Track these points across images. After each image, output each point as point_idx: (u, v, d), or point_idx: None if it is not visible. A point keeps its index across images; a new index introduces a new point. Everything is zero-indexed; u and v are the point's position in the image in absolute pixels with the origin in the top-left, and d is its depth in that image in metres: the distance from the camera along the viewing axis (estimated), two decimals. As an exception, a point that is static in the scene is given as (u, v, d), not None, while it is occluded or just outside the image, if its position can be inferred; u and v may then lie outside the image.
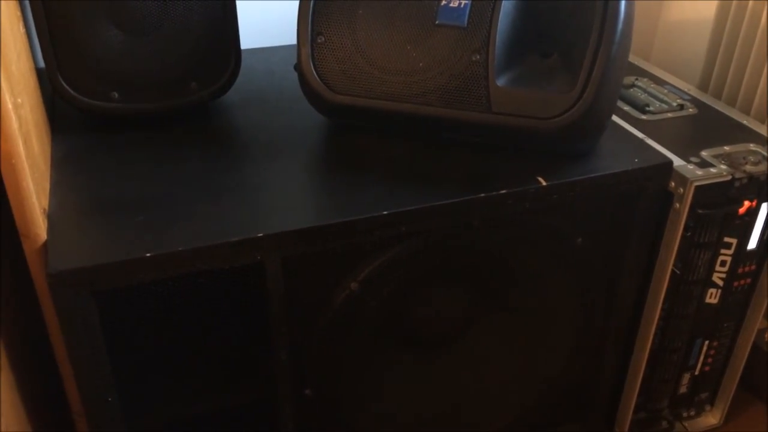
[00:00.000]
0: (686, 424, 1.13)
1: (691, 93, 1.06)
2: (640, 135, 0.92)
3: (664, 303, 0.96)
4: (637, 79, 1.10)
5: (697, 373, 1.08)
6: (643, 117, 0.98)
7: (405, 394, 0.97)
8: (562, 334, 0.97)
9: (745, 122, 0.97)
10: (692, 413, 1.12)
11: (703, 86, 1.13)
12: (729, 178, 0.85)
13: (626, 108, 1.01)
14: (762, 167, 0.86)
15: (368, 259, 0.77)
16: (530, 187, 0.78)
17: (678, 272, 0.93)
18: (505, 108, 0.75)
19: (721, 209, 0.89)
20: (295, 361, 0.80)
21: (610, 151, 0.87)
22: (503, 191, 0.77)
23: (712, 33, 1.12)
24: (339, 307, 0.78)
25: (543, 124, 0.73)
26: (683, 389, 1.09)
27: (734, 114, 1.00)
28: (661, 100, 1.03)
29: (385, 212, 0.73)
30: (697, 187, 0.84)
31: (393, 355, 0.94)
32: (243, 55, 0.92)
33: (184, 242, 0.67)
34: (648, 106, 1.01)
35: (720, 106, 1.02)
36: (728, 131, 0.96)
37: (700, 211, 0.86)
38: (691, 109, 1.01)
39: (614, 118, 0.97)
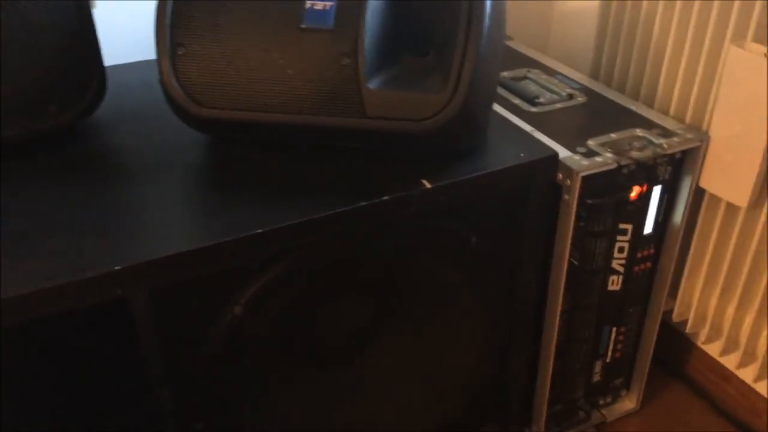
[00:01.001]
0: (604, 411, 1.13)
1: (582, 82, 1.06)
2: (528, 128, 0.91)
3: (566, 295, 0.96)
4: (529, 71, 1.09)
5: (608, 360, 1.08)
6: (534, 109, 0.97)
7: (313, 412, 0.94)
8: (468, 336, 0.95)
9: (632, 107, 0.97)
10: (609, 400, 1.13)
11: (594, 74, 1.13)
12: (615, 166, 0.85)
13: (516, 101, 1.00)
14: (648, 152, 0.86)
15: (251, 280, 0.74)
16: (414, 192, 0.76)
17: (576, 263, 0.93)
18: (380, 112, 0.71)
19: (612, 197, 0.89)
20: (182, 394, 0.75)
21: (497, 147, 0.85)
22: (385, 198, 0.74)
23: (598, 20, 1.13)
24: (223, 334, 0.74)
25: (417, 126, 0.70)
26: (597, 377, 1.09)
27: (623, 100, 1.00)
28: (552, 91, 1.02)
29: (259, 231, 0.69)
30: (584, 178, 0.83)
31: (295, 374, 0.90)
32: (118, 71, 0.86)
33: (28, 284, 0.61)
34: (538, 97, 1.00)
35: (609, 93, 1.02)
36: (616, 118, 0.95)
37: (589, 201, 0.86)
38: (580, 98, 1.00)
39: (504, 112, 0.96)
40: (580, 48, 1.26)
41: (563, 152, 0.85)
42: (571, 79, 1.06)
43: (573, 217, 0.85)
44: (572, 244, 0.91)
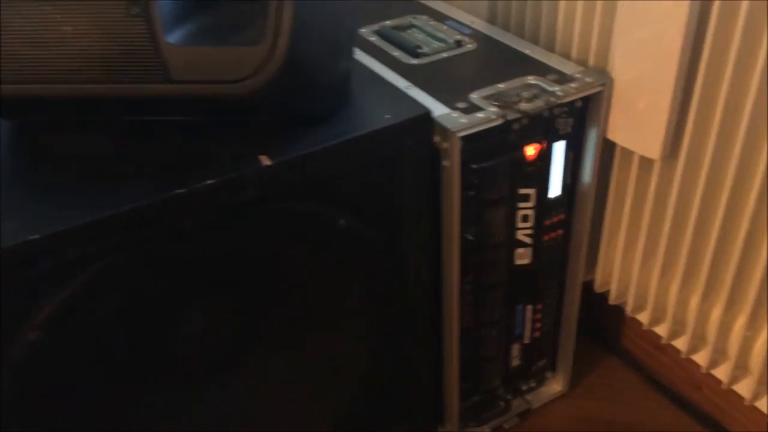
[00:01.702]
0: (528, 397, 1.01)
1: (476, 27, 0.92)
2: (403, 84, 0.77)
3: (466, 274, 0.83)
4: (414, 18, 0.95)
5: (527, 342, 0.96)
6: (414, 61, 0.83)
7: (190, 426, 0.80)
8: (357, 331, 0.82)
9: (528, 52, 0.84)
10: (533, 385, 1.01)
11: (492, 18, 0.99)
12: (501, 121, 0.72)
13: (396, 53, 0.85)
14: (539, 102, 0.73)
15: (47, 298, 0.59)
16: (248, 171, 0.62)
17: (472, 238, 0.80)
18: (187, 73, 0.57)
19: (504, 158, 0.76)
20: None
21: (361, 110, 0.71)
22: (209, 182, 0.60)
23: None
24: (20, 365, 0.60)
25: (234, 88, 0.56)
26: (516, 362, 0.97)
27: (519, 45, 0.86)
28: (439, 39, 0.88)
29: (36, 236, 0.54)
30: (465, 138, 0.70)
31: (155, 391, 0.76)
32: None
33: None
34: (420, 47, 0.86)
35: (505, 38, 0.89)
36: (508, 66, 0.82)
37: (475, 166, 0.73)
38: (470, 46, 0.86)
39: (378, 66, 0.82)
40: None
41: (440, 110, 0.72)
42: (464, 25, 0.93)
43: (458, 186, 0.72)
44: (465, 217, 0.78)
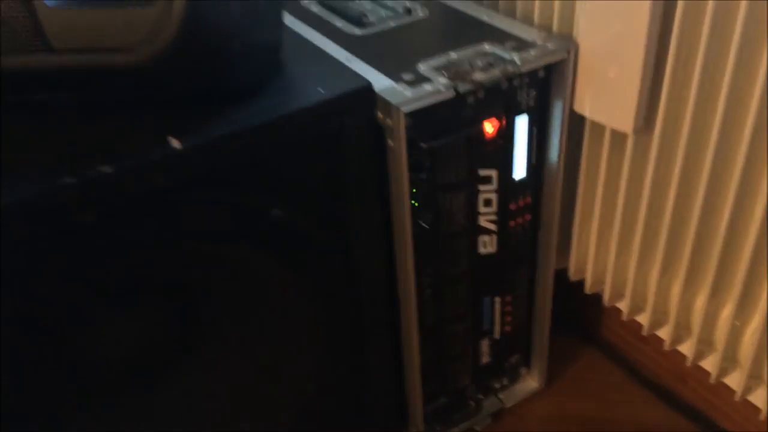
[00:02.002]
0: (502, 396, 0.94)
1: (431, -7, 0.84)
2: (344, 56, 0.69)
3: (424, 267, 0.75)
4: (363, -14, 0.87)
5: (497, 336, 0.88)
6: (358, 32, 0.75)
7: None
8: (303, 333, 0.75)
9: (485, 18, 0.75)
10: (506, 382, 0.93)
11: (451, -16, 0.91)
12: (452, 94, 0.64)
13: (339, 23, 0.77)
14: (495, 72, 0.65)
15: None
16: (155, 156, 0.54)
17: (428, 226, 0.72)
18: (69, 40, 0.48)
19: (458, 136, 0.68)
20: None
21: (291, 85, 0.63)
22: (107, 169, 0.52)
23: None
24: None
25: (125, 57, 0.48)
26: (486, 359, 0.89)
27: (475, 11, 0.78)
28: (387, 7, 0.80)
29: None
30: (411, 115, 0.62)
31: (75, 404, 0.68)
32: None
33: None
34: (366, 16, 0.77)
35: (460, 5, 0.80)
36: (462, 33, 0.73)
37: (424, 145, 0.65)
38: (420, 13, 0.78)
39: (317, 38, 0.73)
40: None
41: (383, 82, 0.63)
42: (417, -8, 0.85)
43: (405, 168, 0.64)
44: (419, 203, 0.70)
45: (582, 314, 1.03)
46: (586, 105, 0.72)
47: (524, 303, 0.88)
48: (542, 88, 0.71)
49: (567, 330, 1.05)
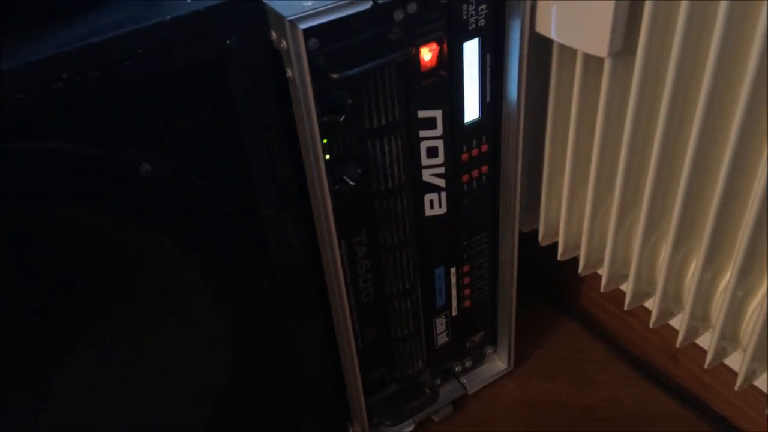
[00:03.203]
0: (464, 380, 0.81)
1: None
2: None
3: (354, 233, 0.61)
4: None
5: (455, 313, 0.75)
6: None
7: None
8: (211, 317, 0.61)
9: None
10: (468, 364, 0.80)
11: None
12: (369, 4, 0.49)
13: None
14: (427, -22, 0.51)
15: None
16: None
17: (353, 183, 0.58)
18: None
19: (382, 64, 0.53)
20: None
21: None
22: None
23: None
24: None
25: None
26: (443, 339, 0.76)
27: None
28: None
29: None
30: (314, 34, 0.47)
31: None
32: None
33: None
34: None
35: None
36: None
37: (335, 75, 0.50)
38: None
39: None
40: None
41: (278, -7, 0.49)
42: None
43: (312, 107, 0.50)
44: (340, 154, 0.56)
45: (557, 283, 0.89)
46: (551, 24, 0.57)
47: (486, 273, 0.74)
48: (495, 2, 0.56)
49: (540, 301, 0.91)
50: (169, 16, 0.43)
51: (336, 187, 0.57)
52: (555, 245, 0.75)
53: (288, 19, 0.45)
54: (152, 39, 0.43)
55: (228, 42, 0.46)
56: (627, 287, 0.69)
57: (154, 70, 0.45)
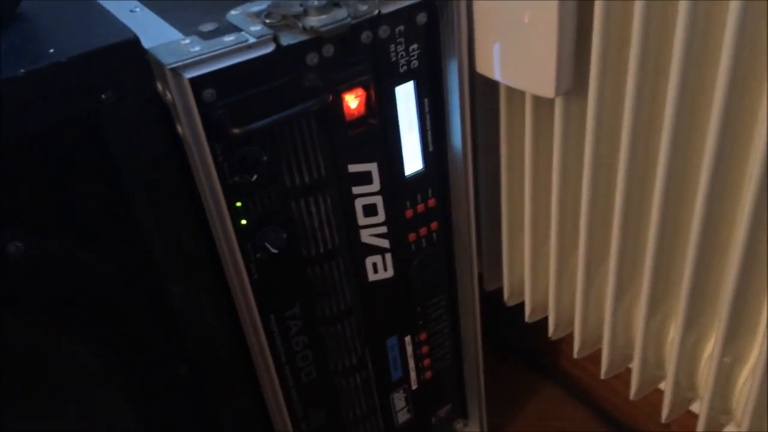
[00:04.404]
0: (431, 459, 0.73)
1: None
2: (130, 6, 0.47)
3: (285, 306, 0.54)
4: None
5: (414, 386, 0.67)
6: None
7: None
8: (117, 413, 0.53)
9: (351, -46, 0.55)
10: (435, 441, 0.73)
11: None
12: (271, 47, 0.43)
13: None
14: (338, 14, 0.44)
15: None
16: None
17: (276, 251, 0.51)
18: None
19: (294, 115, 0.46)
20: None
21: (17, 44, 0.42)
22: None
23: None
24: None
25: None
26: (404, 416, 0.68)
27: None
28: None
29: None
30: (207, 83, 0.41)
31: None
32: None
33: None
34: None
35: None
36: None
37: (236, 130, 0.43)
38: (266, -46, 0.58)
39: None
40: None
41: (169, 36, 0.43)
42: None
43: (211, 168, 0.43)
44: (260, 217, 0.49)
45: (534, 342, 0.82)
46: (494, 63, 0.51)
47: (447, 339, 0.66)
48: (428, 41, 0.50)
49: (517, 364, 0.83)
50: (22, 70, 0.37)
51: (258, 255, 0.50)
52: (523, 305, 0.68)
53: (168, 67, 0.38)
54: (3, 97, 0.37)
55: (103, 96, 0.40)
56: (603, 353, 0.61)
57: (11, 132, 0.38)
